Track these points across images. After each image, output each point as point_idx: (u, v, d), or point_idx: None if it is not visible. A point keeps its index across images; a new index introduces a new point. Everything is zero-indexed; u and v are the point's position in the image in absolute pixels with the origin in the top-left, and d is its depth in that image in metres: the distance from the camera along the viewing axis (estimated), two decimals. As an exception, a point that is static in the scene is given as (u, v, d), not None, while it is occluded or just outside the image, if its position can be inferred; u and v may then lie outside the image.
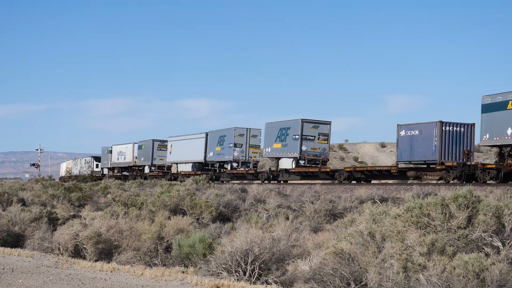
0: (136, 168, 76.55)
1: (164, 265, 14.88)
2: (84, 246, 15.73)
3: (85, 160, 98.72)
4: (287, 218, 18.24)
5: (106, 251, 15.76)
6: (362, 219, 12.29)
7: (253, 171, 53.49)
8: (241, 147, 54.52)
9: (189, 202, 21.59)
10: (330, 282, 10.93)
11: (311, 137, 47.95)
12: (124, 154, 79.71)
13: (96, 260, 15.09)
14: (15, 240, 18.21)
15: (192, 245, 14.62)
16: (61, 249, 15.84)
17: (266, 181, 49.21)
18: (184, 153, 63.52)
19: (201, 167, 60.90)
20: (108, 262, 14.76)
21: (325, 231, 17.07)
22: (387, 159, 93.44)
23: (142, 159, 73.73)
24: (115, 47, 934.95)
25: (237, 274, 12.43)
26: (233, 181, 51.87)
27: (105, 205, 27.21)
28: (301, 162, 47.71)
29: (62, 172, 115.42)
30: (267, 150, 52.05)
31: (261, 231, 13.74)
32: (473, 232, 10.62)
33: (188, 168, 62.83)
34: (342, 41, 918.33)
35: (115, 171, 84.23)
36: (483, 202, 10.96)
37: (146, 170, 72.46)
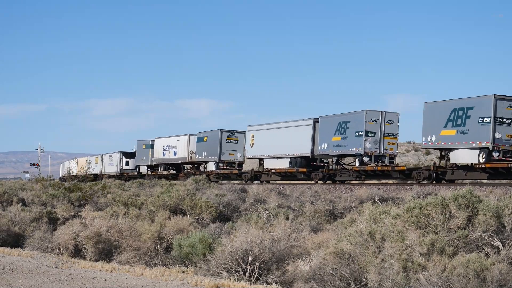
0: (193, 165, 64.44)
1: (164, 265, 14.87)
2: (84, 246, 15.73)
3: (110, 156, 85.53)
4: (287, 218, 18.24)
5: (106, 251, 15.76)
6: (362, 219, 12.29)
7: (392, 168, 41.35)
8: (373, 136, 42.76)
9: (189, 202, 21.59)
10: (330, 282, 10.93)
11: (507, 120, 35.00)
12: (174, 148, 66.64)
13: (96, 260, 15.08)
14: (15, 240, 18.21)
15: (192, 245, 14.62)
16: (61, 249, 15.84)
17: (425, 181, 37.66)
18: (276, 145, 51.06)
19: (305, 162, 49.25)
20: (108, 262, 14.75)
21: (325, 231, 17.07)
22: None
23: (204, 154, 60.58)
24: (116, 48, 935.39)
25: (237, 274, 12.43)
26: (364, 182, 43.61)
27: (105, 205, 27.20)
28: (495, 154, 34.95)
29: (73, 171, 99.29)
30: (429, 138, 38.44)
31: (261, 231, 13.74)
32: (473, 232, 10.62)
33: (282, 164, 50.66)
34: (342, 41, 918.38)
35: (160, 169, 69.94)
36: (483, 202, 10.96)
37: (211, 167, 59.15)
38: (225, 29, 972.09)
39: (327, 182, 45.15)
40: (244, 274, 12.41)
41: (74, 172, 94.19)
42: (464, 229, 10.65)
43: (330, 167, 47.19)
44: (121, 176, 78.45)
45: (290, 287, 12.29)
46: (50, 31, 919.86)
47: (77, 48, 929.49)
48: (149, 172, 73.28)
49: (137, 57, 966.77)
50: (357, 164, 43.31)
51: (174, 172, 68.11)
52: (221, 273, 12.61)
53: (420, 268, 9.99)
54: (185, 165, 66.55)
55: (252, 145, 55.57)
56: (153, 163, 71.66)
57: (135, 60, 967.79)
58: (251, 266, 12.44)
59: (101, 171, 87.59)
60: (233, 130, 59.07)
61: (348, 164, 46.84)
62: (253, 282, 12.23)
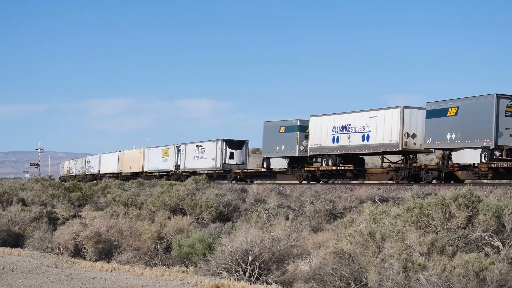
0: (407, 155, 40.30)
1: (164, 265, 14.87)
2: (84, 246, 15.73)
3: (198, 147, 60.44)
4: (287, 218, 18.24)
5: (106, 251, 15.76)
6: (362, 219, 12.29)
7: None
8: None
9: (189, 202, 21.59)
10: (330, 282, 10.93)
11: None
12: (363, 129, 41.68)
13: (96, 260, 15.08)
14: (15, 240, 18.21)
15: (192, 245, 14.62)
16: (61, 249, 15.84)
17: None
18: None
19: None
20: (108, 262, 14.76)
21: (325, 231, 17.07)
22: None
23: (452, 136, 35.97)
24: (115, 48, 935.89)
25: (237, 274, 12.43)
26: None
27: (105, 205, 27.20)
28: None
29: (104, 168, 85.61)
30: None
31: (261, 231, 13.74)
32: (473, 232, 10.62)
33: None
34: (342, 41, 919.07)
35: (326, 162, 44.56)
36: (483, 202, 10.96)
37: (472, 157, 34.98)
38: (225, 29, 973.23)
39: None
40: (244, 274, 12.41)
41: (113, 168, 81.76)
42: (464, 229, 10.65)
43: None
44: (224, 174, 56.06)
45: (290, 287, 12.29)
46: (50, 31, 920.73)
47: (77, 48, 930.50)
48: (295, 169, 48.72)
49: (137, 57, 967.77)
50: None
51: (352, 168, 43.18)
52: (221, 273, 12.61)
53: (420, 268, 9.99)
54: (386, 156, 42.54)
55: None
56: (308, 154, 46.52)
57: (135, 60, 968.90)
58: (251, 266, 12.44)
59: (177, 166, 64.40)
60: None
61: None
62: (253, 282, 12.24)
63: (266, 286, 11.99)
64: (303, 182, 46.30)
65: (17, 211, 20.21)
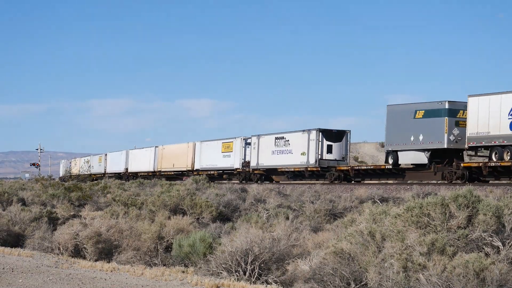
0: None
1: (164, 265, 14.88)
2: (84, 245, 15.73)
3: (279, 139, 48.51)
4: (287, 218, 18.25)
5: (106, 251, 15.76)
6: (362, 219, 12.30)
7: None
8: None
9: (189, 202, 21.60)
10: (330, 282, 10.93)
11: None
12: None
13: (96, 260, 15.09)
14: (15, 240, 18.22)
15: (192, 245, 14.63)
16: (61, 248, 15.85)
17: None
18: None
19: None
20: (108, 262, 14.76)
21: (325, 231, 17.08)
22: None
23: None
24: (116, 48, 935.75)
25: (237, 273, 12.43)
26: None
27: (105, 205, 27.21)
28: None
29: (134, 166, 73.81)
30: None
31: (261, 231, 13.74)
32: (473, 232, 10.62)
33: None
34: (342, 41, 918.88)
35: (498, 155, 33.80)
36: (483, 202, 10.97)
37: None
38: (225, 29, 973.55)
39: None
40: (244, 274, 12.41)
41: (146, 166, 70.77)
42: (464, 229, 10.66)
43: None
44: (321, 172, 44.66)
45: (290, 287, 12.30)
46: (50, 31, 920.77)
47: (77, 48, 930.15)
48: (439, 164, 37.94)
49: (138, 57, 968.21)
50: None
51: None
52: (221, 273, 12.62)
53: (420, 268, 9.99)
54: None
55: None
56: (466, 145, 36.25)
57: (135, 60, 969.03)
58: (251, 266, 12.44)
59: (245, 163, 52.55)
60: None
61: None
62: (253, 282, 12.24)
63: (266, 286, 11.99)
64: (454, 182, 35.61)
65: (17, 211, 20.21)
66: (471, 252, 10.08)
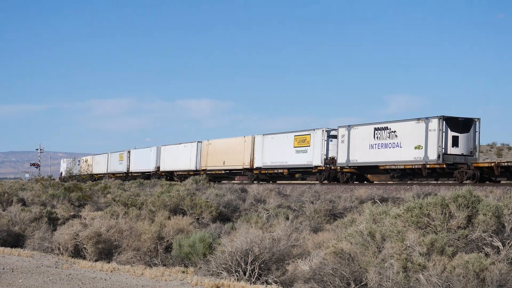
0: None
1: (164, 265, 14.88)
2: (84, 246, 15.74)
3: (380, 130, 39.33)
4: (287, 218, 18.25)
5: (106, 251, 15.77)
6: (362, 219, 12.31)
7: None
8: None
9: (189, 202, 21.60)
10: (330, 282, 10.93)
11: None
12: None
13: (96, 260, 15.09)
14: (15, 240, 18.22)
15: (192, 245, 14.63)
16: (61, 249, 15.85)
17: None
18: None
19: None
20: (108, 262, 14.76)
21: (325, 231, 17.07)
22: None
23: None
24: (116, 48, 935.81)
25: (237, 274, 12.43)
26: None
27: (105, 205, 27.21)
28: None
29: (168, 165, 64.26)
30: None
31: (261, 231, 13.74)
32: (473, 232, 10.62)
33: None
34: (343, 41, 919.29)
35: None
36: (483, 202, 10.97)
37: None
38: (225, 29, 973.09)
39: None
40: (244, 274, 12.41)
41: (186, 164, 60.83)
42: (464, 229, 10.66)
43: None
44: (447, 169, 35.38)
45: (290, 287, 12.30)
46: (50, 31, 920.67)
47: (77, 48, 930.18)
48: None
49: (138, 57, 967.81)
50: None
51: None
52: (221, 273, 12.62)
53: (420, 268, 9.99)
54: None
55: None
56: None
57: (135, 60, 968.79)
58: (251, 266, 12.44)
59: (329, 160, 43.98)
60: None
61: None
62: (253, 282, 12.24)
63: (266, 286, 11.99)
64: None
65: (17, 211, 20.22)
66: (471, 252, 10.08)
